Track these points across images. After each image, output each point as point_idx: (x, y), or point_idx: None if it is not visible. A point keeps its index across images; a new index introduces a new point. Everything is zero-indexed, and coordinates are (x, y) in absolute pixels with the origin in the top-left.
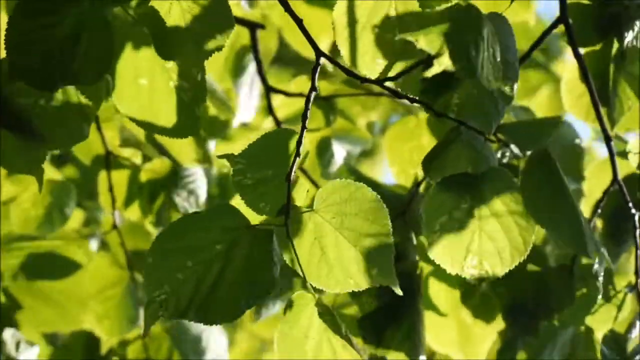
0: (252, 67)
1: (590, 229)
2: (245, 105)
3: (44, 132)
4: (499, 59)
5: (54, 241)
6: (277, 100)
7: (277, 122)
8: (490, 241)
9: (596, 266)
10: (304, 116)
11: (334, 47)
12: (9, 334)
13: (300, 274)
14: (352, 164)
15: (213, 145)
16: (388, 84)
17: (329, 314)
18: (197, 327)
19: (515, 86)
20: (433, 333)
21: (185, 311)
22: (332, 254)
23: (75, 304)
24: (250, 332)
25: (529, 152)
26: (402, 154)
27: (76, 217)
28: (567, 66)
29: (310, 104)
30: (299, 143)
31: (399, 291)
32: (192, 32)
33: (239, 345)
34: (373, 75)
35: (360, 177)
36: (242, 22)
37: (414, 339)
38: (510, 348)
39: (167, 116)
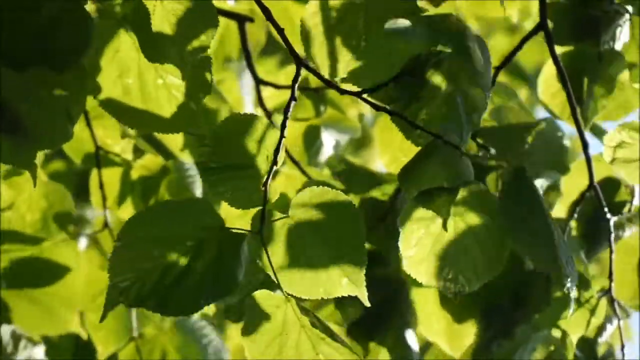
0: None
1: (565, 244)
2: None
3: (32, 132)
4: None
5: (42, 244)
6: (266, 90)
7: (267, 114)
8: (465, 255)
9: (569, 270)
10: (282, 124)
11: None
12: (6, 330)
13: (274, 278)
14: (342, 154)
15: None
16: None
17: (310, 315)
18: (195, 332)
19: (489, 94)
20: (425, 320)
21: (145, 300)
22: (304, 261)
23: (64, 306)
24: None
25: (507, 169)
26: (393, 143)
27: None
28: (546, 64)
29: (290, 114)
30: (277, 151)
31: (366, 303)
32: (176, 34)
33: (231, 340)
34: (327, 72)
35: (350, 167)
36: (231, 15)
37: (404, 343)
38: (485, 349)
39: (160, 113)
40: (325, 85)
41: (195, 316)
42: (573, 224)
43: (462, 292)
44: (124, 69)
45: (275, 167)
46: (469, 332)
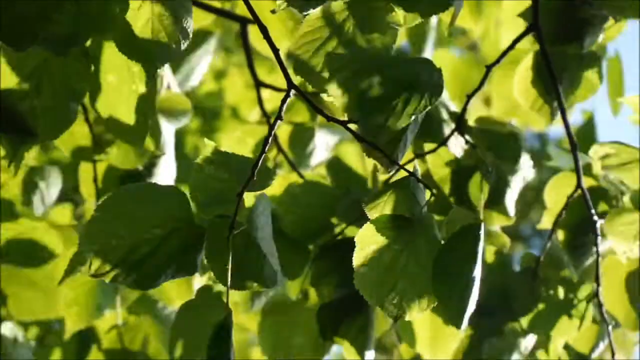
0: (210, 43)
1: (476, 296)
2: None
3: (34, 126)
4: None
5: (35, 223)
6: (265, 91)
7: (266, 115)
8: (411, 286)
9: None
10: (263, 146)
11: None
12: (7, 328)
13: (221, 280)
14: (340, 161)
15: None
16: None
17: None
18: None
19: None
20: (409, 331)
21: (106, 274)
22: (242, 259)
23: (59, 290)
24: (239, 325)
25: (462, 225)
26: None
27: (66, 212)
28: (526, 56)
29: (275, 130)
30: (255, 166)
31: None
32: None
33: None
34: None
35: (346, 173)
36: (232, 16)
37: (368, 333)
38: (475, 350)
39: (125, 117)
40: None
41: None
42: (560, 233)
43: (402, 316)
44: (112, 65)
45: (252, 181)
46: (454, 335)
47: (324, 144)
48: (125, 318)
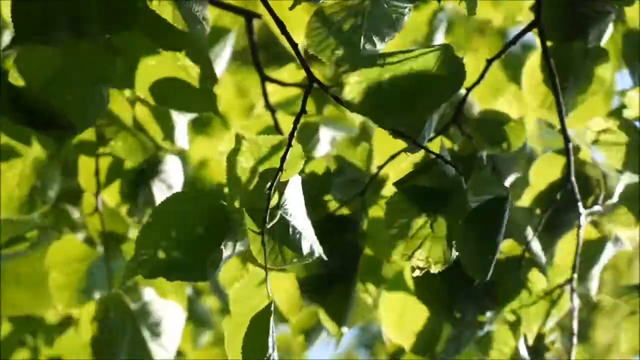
0: (229, 41)
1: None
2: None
3: (71, 119)
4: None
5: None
6: (270, 86)
7: (271, 109)
8: (439, 246)
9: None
10: (290, 135)
11: None
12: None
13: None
14: (338, 149)
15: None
16: None
17: None
18: (158, 313)
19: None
20: (394, 324)
21: (157, 273)
22: (283, 242)
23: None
24: None
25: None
26: (390, 145)
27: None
28: (532, 53)
29: (299, 124)
30: (283, 159)
31: (324, 257)
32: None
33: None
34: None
35: (342, 162)
36: (239, 10)
37: (347, 301)
38: (457, 340)
39: (182, 94)
40: (331, 84)
41: None
42: (537, 211)
43: (426, 271)
44: (146, 49)
45: (280, 173)
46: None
47: (327, 138)
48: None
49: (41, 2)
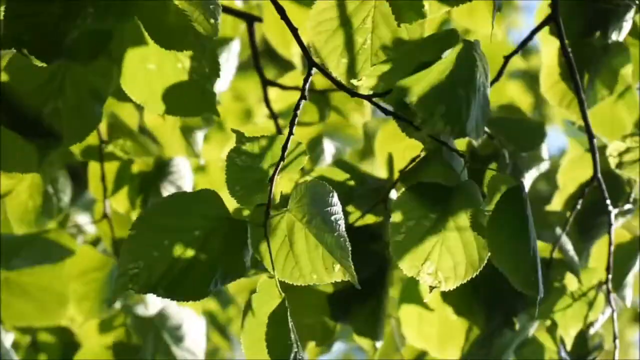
0: (234, 45)
1: (540, 266)
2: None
3: (59, 129)
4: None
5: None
6: (273, 93)
7: (273, 115)
8: (449, 254)
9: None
10: (291, 123)
11: None
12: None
13: (270, 268)
14: (343, 158)
15: (201, 137)
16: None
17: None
18: (179, 317)
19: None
20: (414, 328)
21: (154, 287)
22: (299, 250)
23: (54, 299)
24: None
25: (504, 187)
26: (394, 154)
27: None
28: (548, 52)
29: (300, 110)
30: (284, 148)
31: (357, 285)
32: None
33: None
34: (337, 72)
35: (352, 171)
36: (240, 14)
37: (379, 315)
38: (486, 343)
39: (181, 98)
40: (333, 87)
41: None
42: (568, 214)
43: (437, 288)
44: (145, 55)
45: (282, 163)
46: (464, 329)
47: (330, 150)
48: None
49: (29, 19)
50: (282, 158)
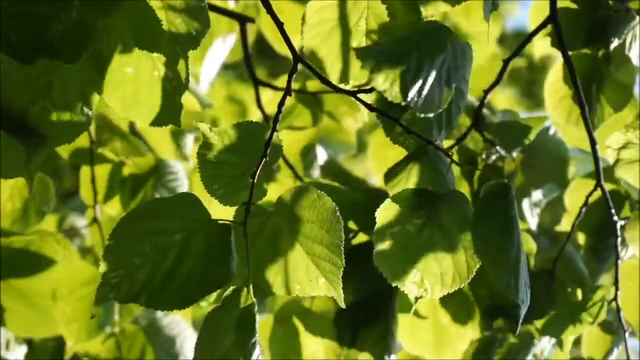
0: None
1: (526, 271)
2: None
3: (45, 130)
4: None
5: (30, 236)
6: (265, 96)
7: (265, 116)
8: (435, 262)
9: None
10: (275, 119)
11: None
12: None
13: (248, 271)
14: (336, 163)
15: (190, 140)
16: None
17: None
18: (171, 329)
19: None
20: (408, 335)
21: (137, 296)
22: (284, 257)
23: (55, 310)
24: None
25: (489, 184)
26: (387, 160)
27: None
28: (552, 68)
29: (283, 107)
30: (267, 145)
31: (342, 304)
32: (170, 28)
33: None
34: (331, 77)
35: (344, 176)
36: (232, 15)
37: (388, 339)
38: (486, 351)
39: (150, 105)
40: (326, 89)
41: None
42: (581, 236)
43: (423, 298)
44: (127, 58)
45: (265, 160)
46: (461, 336)
47: (323, 157)
48: (122, 326)
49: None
50: (264, 155)
